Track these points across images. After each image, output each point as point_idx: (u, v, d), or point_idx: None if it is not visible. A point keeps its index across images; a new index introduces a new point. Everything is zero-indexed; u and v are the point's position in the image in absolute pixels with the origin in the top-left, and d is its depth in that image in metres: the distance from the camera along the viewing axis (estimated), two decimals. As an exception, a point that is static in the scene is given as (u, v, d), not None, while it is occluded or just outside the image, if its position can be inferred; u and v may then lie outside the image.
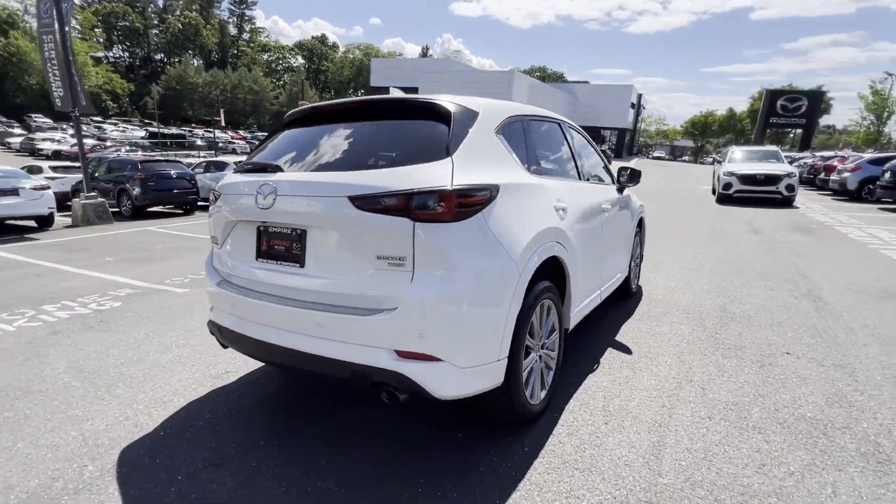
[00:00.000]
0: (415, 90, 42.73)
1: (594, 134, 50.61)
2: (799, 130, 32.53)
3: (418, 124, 2.26)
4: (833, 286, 5.22)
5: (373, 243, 1.93)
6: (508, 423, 2.40)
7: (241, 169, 2.50)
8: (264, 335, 2.20)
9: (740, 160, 14.85)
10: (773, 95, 32.46)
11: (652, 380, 2.98)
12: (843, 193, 15.55)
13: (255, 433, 2.39)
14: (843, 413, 2.58)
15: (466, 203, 1.93)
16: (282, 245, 2.19)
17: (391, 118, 2.37)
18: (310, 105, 2.65)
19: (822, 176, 18.06)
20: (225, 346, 2.60)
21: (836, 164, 17.08)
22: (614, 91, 50.91)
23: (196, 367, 3.17)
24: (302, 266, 2.13)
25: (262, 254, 2.27)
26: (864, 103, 30.32)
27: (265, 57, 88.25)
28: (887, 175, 13.16)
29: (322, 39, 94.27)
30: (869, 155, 17.11)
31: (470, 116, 2.25)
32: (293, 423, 2.49)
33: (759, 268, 6.06)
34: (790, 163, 16.24)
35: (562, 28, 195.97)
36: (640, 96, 56.28)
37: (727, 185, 13.83)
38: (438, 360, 1.88)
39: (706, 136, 75.74)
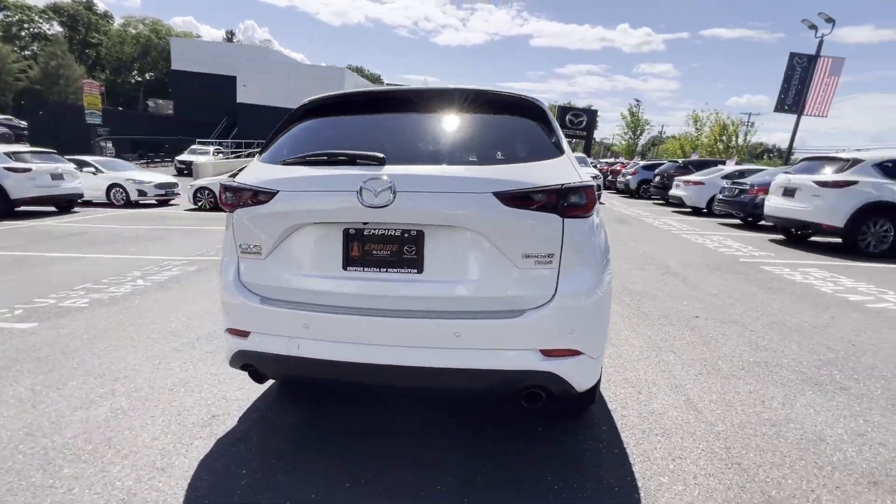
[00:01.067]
0: (232, 79, 38.29)
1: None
2: (582, 141, 40.29)
3: (513, 120, 2.21)
4: (677, 264, 6.74)
5: (520, 242, 1.86)
6: (581, 408, 2.55)
7: (300, 161, 2.05)
8: (367, 356, 1.89)
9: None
10: (563, 110, 39.31)
11: (634, 351, 3.49)
12: (627, 192, 19.86)
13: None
14: (768, 356, 3.47)
15: (595, 199, 2.01)
16: (387, 250, 1.92)
17: (471, 111, 2.25)
18: (363, 91, 2.34)
19: (609, 178, 22.69)
20: (262, 381, 2.13)
21: (619, 168, 21.69)
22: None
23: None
24: (420, 272, 1.91)
25: (353, 261, 1.94)
26: (625, 122, 39.42)
27: (0, 16, 67.55)
28: (657, 178, 17.28)
29: (88, 5, 76.59)
30: (644, 162, 22.12)
31: (550, 113, 2.31)
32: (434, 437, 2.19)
33: (620, 252, 7.41)
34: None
35: (372, 30, 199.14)
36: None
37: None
38: (580, 353, 1.93)
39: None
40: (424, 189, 1.85)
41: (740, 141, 32.38)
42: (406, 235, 1.90)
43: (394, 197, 1.83)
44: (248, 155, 29.45)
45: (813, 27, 18.02)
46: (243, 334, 2.07)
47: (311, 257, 2.00)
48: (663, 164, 18.32)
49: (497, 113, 2.22)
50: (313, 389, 2.78)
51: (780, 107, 19.38)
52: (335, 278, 1.95)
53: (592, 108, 41.42)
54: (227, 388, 2.76)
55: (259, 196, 2.00)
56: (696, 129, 34.43)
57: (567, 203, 1.87)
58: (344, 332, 1.91)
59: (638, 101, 43.23)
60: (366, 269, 1.94)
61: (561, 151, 2.07)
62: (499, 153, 2.04)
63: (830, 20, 17.44)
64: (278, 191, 1.97)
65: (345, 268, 1.95)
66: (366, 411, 2.56)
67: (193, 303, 4.42)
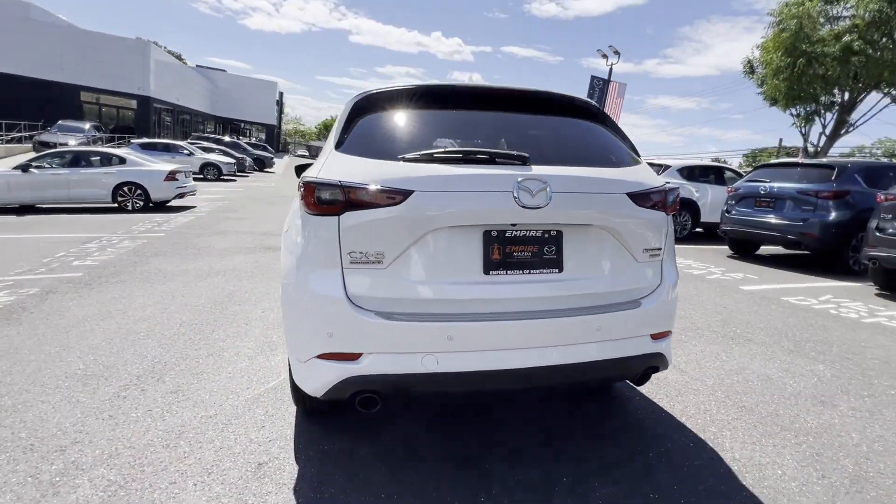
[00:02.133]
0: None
1: (235, 127, 47.99)
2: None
3: (597, 127, 2.27)
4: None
5: (641, 238, 2.00)
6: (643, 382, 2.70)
7: (428, 158, 1.82)
8: (515, 361, 1.81)
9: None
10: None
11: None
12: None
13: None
14: (689, 322, 4.30)
15: None
16: (528, 251, 1.85)
17: (547, 113, 2.26)
18: (447, 84, 2.18)
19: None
20: (372, 409, 1.83)
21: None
22: (258, 85, 49.54)
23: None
24: (560, 271, 1.89)
25: (494, 265, 1.82)
26: None
27: None
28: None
29: None
30: None
31: None
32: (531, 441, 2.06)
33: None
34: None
35: (165, 2, 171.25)
36: (281, 94, 57.08)
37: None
38: (670, 332, 2.17)
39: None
40: (572, 190, 1.86)
41: None
42: (546, 236, 1.88)
43: (549, 198, 1.79)
44: (11, 140, 22.53)
45: (605, 56, 22.30)
46: (352, 357, 1.75)
47: (443, 263, 1.80)
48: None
49: (583, 119, 2.30)
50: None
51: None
52: (475, 284, 1.81)
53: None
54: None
55: (389, 196, 1.72)
56: None
57: (669, 201, 2.09)
58: (490, 340, 1.79)
59: None
60: (508, 272, 1.84)
61: (639, 156, 2.28)
62: (611, 156, 2.14)
63: (617, 52, 21.88)
64: (413, 191, 1.73)
65: (486, 272, 1.82)
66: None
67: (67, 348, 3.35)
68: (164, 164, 11.21)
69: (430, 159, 1.83)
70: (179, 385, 2.66)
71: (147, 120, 30.66)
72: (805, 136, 17.69)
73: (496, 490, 1.92)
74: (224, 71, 50.12)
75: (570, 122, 2.26)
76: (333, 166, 1.85)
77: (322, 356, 1.78)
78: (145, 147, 18.03)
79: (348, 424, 2.34)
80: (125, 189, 10.17)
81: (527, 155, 1.87)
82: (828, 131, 16.94)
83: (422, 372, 1.75)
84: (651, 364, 2.06)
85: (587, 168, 1.98)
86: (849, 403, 2.82)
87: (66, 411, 2.35)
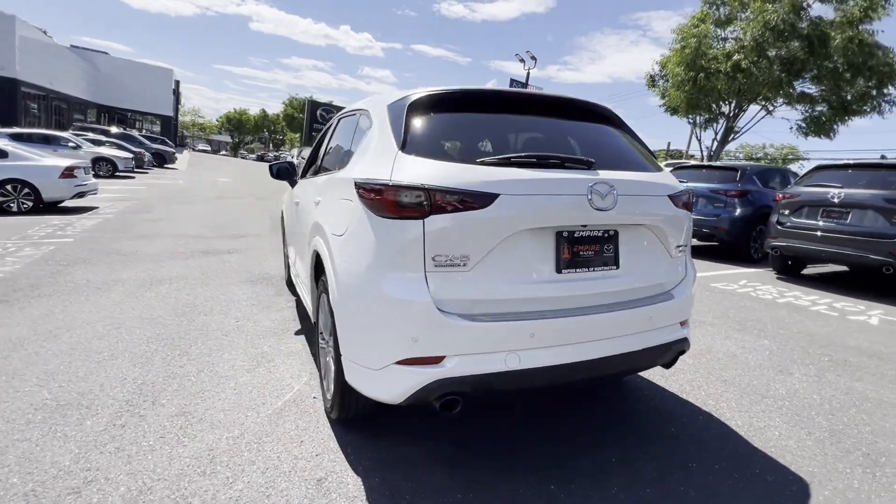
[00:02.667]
0: None
1: (122, 118, 42.83)
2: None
3: (623, 134, 2.43)
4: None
5: (675, 235, 2.21)
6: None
7: (504, 161, 1.85)
8: (582, 354, 1.90)
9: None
10: (313, 105, 38.64)
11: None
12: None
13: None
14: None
15: None
16: (591, 250, 1.96)
17: (575, 118, 2.37)
18: (495, 90, 2.25)
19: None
20: (454, 410, 1.81)
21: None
22: (150, 72, 44.61)
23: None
24: (617, 267, 2.02)
25: (565, 264, 1.90)
26: None
27: None
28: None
29: None
30: None
31: None
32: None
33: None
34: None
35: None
36: (177, 83, 51.94)
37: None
38: (687, 320, 2.41)
39: (241, 132, 79.48)
40: (630, 192, 2.01)
41: None
42: (606, 235, 2.00)
43: (615, 201, 1.91)
44: None
45: (522, 60, 23.44)
46: (436, 361, 1.73)
47: (521, 264, 1.85)
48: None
49: (609, 125, 2.45)
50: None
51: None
52: (550, 282, 1.89)
53: (334, 103, 42.29)
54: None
55: (476, 200, 1.72)
56: None
57: (692, 202, 2.32)
58: (564, 335, 1.87)
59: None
60: (577, 270, 1.93)
61: (656, 158, 2.50)
62: (645, 161, 2.31)
63: (534, 58, 23.13)
64: (499, 194, 1.75)
65: (558, 271, 1.90)
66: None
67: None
68: (57, 159, 9.73)
69: (507, 163, 1.87)
70: (183, 407, 2.39)
71: (13, 106, 26.19)
72: (700, 141, 20.32)
73: (558, 478, 1.99)
74: (106, 53, 44.52)
75: (601, 129, 2.41)
76: (408, 169, 1.80)
77: (402, 362, 1.73)
78: (16, 138, 15.35)
79: (387, 430, 2.28)
80: (7, 188, 8.66)
81: (593, 160, 1.98)
82: (719, 137, 19.48)
83: (504, 370, 1.77)
84: (682, 348, 2.28)
85: (636, 172, 2.14)
86: (800, 371, 3.33)
87: (56, 448, 2.01)
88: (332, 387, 2.19)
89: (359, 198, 1.89)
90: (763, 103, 17.47)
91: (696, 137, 20.45)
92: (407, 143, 1.91)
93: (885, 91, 14.90)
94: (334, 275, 1.99)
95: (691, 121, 19.55)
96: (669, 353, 2.24)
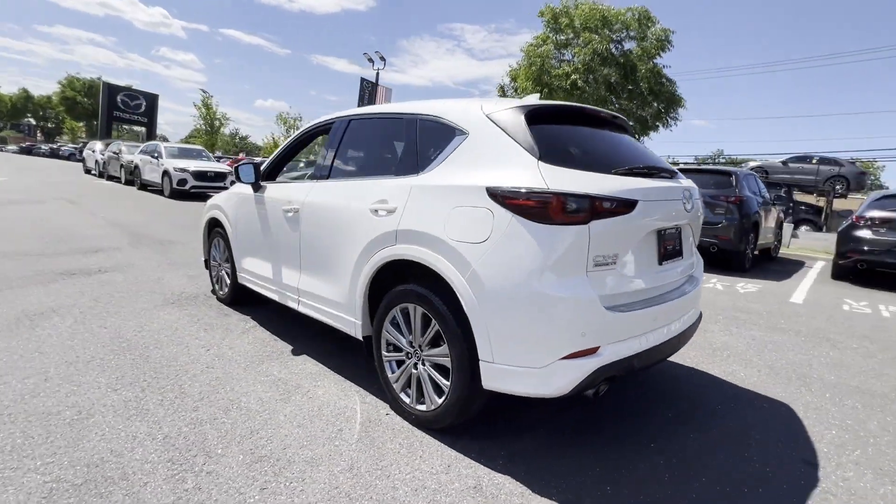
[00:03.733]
0: None
1: None
2: (143, 128, 34.10)
3: (636, 142, 2.84)
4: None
5: (697, 229, 2.74)
6: None
7: (626, 172, 2.16)
8: (675, 331, 2.30)
9: (179, 156, 15.20)
10: (112, 90, 31.82)
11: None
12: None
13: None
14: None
15: None
16: (672, 244, 2.37)
17: (618, 131, 2.64)
18: (578, 106, 2.44)
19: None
20: (601, 393, 2.03)
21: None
22: None
23: None
24: (682, 258, 2.47)
25: (663, 257, 2.29)
26: (199, 112, 36.41)
27: None
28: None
29: None
30: (260, 158, 21.82)
31: None
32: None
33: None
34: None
35: None
36: None
37: (182, 182, 14.01)
38: None
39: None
40: (696, 197, 2.52)
41: None
42: (678, 231, 2.44)
43: (693, 204, 2.40)
44: None
45: (371, 60, 23.38)
46: (593, 351, 1.90)
47: (642, 259, 2.17)
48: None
49: (632, 137, 2.84)
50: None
51: (358, 121, 23.96)
52: (657, 273, 2.25)
53: (133, 86, 35.60)
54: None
55: (625, 206, 1.97)
56: (286, 129, 36.93)
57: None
58: (668, 315, 2.24)
59: (205, 91, 41.03)
60: (668, 261, 2.33)
61: None
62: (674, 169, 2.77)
63: (383, 58, 23.28)
64: (638, 200, 2.01)
65: (660, 263, 2.26)
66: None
67: None
68: None
69: (630, 173, 2.16)
70: (252, 451, 2.03)
71: None
72: None
73: (661, 461, 2.20)
74: None
75: (633, 141, 2.81)
76: (559, 177, 1.92)
77: (567, 356, 1.86)
78: None
79: (488, 430, 2.33)
80: None
81: (676, 170, 2.38)
82: None
83: (639, 351, 2.05)
84: (700, 320, 2.85)
85: (682, 179, 2.60)
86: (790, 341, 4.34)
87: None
88: (446, 395, 2.15)
89: (501, 205, 1.93)
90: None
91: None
92: (543, 153, 2.00)
93: (672, 113, 19.69)
94: (476, 282, 1.96)
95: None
96: (698, 325, 2.78)
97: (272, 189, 3.43)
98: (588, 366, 1.89)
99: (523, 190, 1.91)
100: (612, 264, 2.00)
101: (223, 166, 15.70)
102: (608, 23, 18.19)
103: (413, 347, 2.32)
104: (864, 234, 7.09)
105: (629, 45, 18.66)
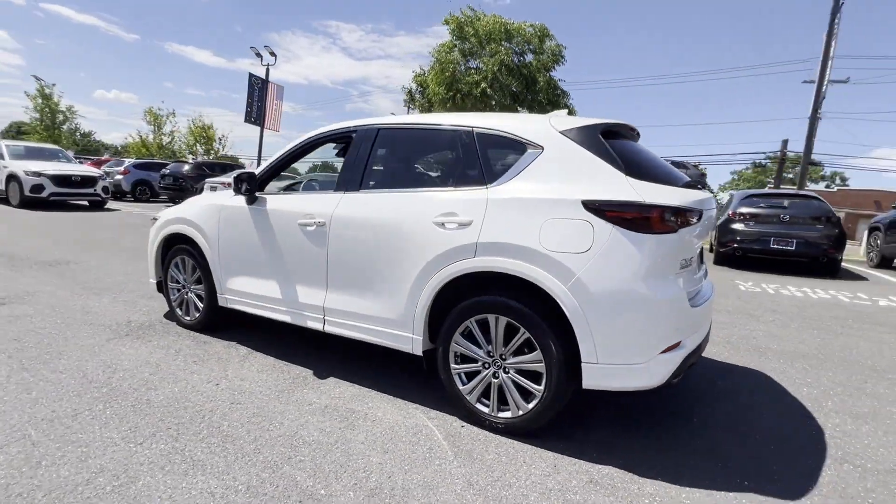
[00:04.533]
0: None
1: None
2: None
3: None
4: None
5: None
6: None
7: (687, 185, 2.45)
8: (702, 333, 2.50)
9: (27, 157, 12.59)
10: None
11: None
12: (120, 194, 16.67)
13: (682, 427, 2.51)
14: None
15: None
16: (699, 250, 2.67)
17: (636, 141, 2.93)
18: (625, 123, 2.66)
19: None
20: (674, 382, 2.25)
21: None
22: None
23: None
24: (703, 262, 2.81)
25: (696, 261, 2.58)
26: (34, 104, 29.95)
27: None
28: (166, 179, 15.92)
29: None
30: (133, 160, 18.88)
31: None
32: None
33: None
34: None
35: None
36: None
37: (37, 188, 11.66)
38: None
39: None
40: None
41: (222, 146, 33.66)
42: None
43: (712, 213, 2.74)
44: None
45: (259, 55, 21.70)
46: (679, 344, 2.15)
47: (694, 263, 2.45)
48: (167, 164, 16.96)
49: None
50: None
51: (248, 119, 22.06)
52: (699, 277, 2.61)
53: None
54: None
55: (698, 216, 2.25)
56: (157, 126, 32.54)
57: None
58: (705, 316, 2.54)
59: (40, 78, 33.63)
60: (698, 266, 2.64)
61: None
62: None
63: (273, 54, 21.73)
64: (703, 210, 2.30)
65: (698, 269, 2.59)
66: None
67: None
68: None
69: (687, 185, 2.43)
70: (355, 484, 1.88)
71: None
72: None
73: (702, 429, 2.57)
74: None
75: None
76: (648, 191, 2.12)
77: (664, 350, 2.07)
78: None
79: (555, 429, 2.44)
80: None
81: (700, 183, 2.70)
82: None
83: (698, 343, 2.35)
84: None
85: None
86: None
87: None
88: (540, 399, 2.21)
89: (601, 217, 2.08)
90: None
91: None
92: (626, 168, 2.19)
93: None
94: (581, 289, 2.07)
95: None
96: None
97: (275, 201, 3.11)
98: (678, 357, 2.13)
99: (624, 203, 2.07)
100: (688, 266, 2.28)
101: (92, 169, 13.43)
102: (510, 35, 19.37)
103: (492, 357, 2.34)
104: (739, 226, 8.60)
105: (529, 57, 20.04)
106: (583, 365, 2.10)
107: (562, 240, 2.13)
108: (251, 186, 3.12)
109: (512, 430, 2.32)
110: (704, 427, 2.53)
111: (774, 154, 24.70)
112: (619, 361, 2.07)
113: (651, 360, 2.07)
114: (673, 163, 20.55)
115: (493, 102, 19.37)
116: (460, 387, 2.43)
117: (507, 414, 2.32)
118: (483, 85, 18.93)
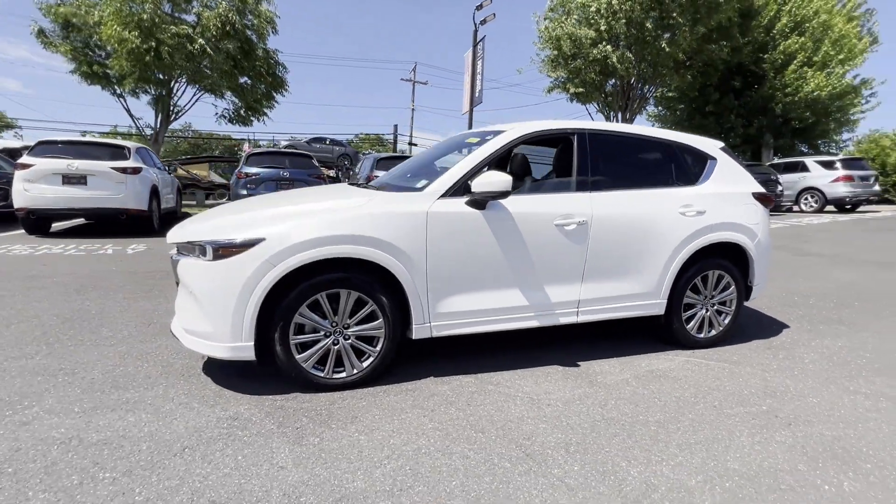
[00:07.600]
0: None
1: None
2: None
3: None
4: None
5: None
6: None
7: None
8: None
9: None
10: None
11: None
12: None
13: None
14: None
15: None
16: None
17: None
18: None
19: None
20: None
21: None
22: None
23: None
24: None
25: None
26: None
27: None
28: None
29: None
30: None
31: None
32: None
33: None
34: None
35: None
36: None
37: None
38: None
39: None
40: None
41: None
42: None
43: None
44: None
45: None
46: None
47: None
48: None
49: None
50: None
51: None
52: None
53: None
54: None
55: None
56: None
57: None
58: None
59: None
60: None
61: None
62: None
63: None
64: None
65: None
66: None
67: None
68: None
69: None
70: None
71: None
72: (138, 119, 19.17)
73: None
74: None
75: None
76: (757, 186, 3.90)
77: None
78: None
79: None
80: None
81: None
82: (162, 116, 18.10)
83: None
84: None
85: None
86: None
87: None
88: (732, 318, 3.67)
89: (760, 202, 3.69)
90: (210, 91, 17.85)
91: (132, 115, 18.37)
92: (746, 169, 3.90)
93: (279, 95, 19.09)
94: (759, 244, 3.60)
95: (134, 95, 16.91)
96: None
97: (518, 203, 2.93)
98: None
99: (767, 194, 3.78)
100: None
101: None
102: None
103: (706, 299, 3.57)
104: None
105: (249, 18, 17.16)
106: (752, 288, 3.74)
107: (749, 216, 3.60)
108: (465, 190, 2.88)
109: (702, 345, 3.62)
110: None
111: (389, 135, 37.03)
112: (764, 282, 3.82)
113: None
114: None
115: (209, 63, 15.78)
116: (686, 326, 3.51)
117: (702, 335, 3.61)
118: (200, 41, 15.40)
